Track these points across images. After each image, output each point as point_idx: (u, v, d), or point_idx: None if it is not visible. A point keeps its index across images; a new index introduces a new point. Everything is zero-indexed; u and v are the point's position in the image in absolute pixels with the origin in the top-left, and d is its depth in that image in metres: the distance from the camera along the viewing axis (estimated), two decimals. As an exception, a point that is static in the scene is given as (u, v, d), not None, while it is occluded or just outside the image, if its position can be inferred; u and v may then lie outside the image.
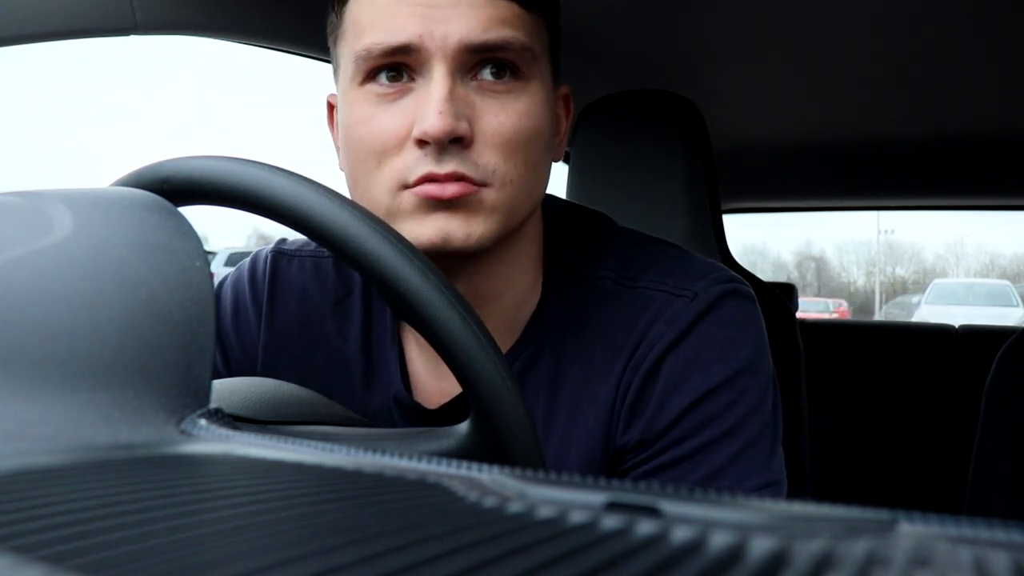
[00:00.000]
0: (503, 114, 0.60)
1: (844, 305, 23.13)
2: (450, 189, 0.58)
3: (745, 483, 0.61)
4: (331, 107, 0.71)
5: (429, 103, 0.58)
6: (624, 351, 0.64)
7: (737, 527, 0.20)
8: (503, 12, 0.59)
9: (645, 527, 0.20)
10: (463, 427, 0.48)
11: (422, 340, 0.69)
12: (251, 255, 0.80)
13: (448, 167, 0.58)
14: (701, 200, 1.17)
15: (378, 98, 0.61)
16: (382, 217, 0.53)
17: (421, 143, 0.58)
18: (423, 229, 0.59)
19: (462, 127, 0.58)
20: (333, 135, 0.70)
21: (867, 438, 1.80)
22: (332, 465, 0.28)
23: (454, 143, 0.58)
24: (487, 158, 0.59)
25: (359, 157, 0.61)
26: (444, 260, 0.60)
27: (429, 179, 0.58)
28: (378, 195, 0.61)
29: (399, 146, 0.60)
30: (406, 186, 0.59)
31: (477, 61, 0.60)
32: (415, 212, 0.59)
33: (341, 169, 0.67)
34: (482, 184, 0.59)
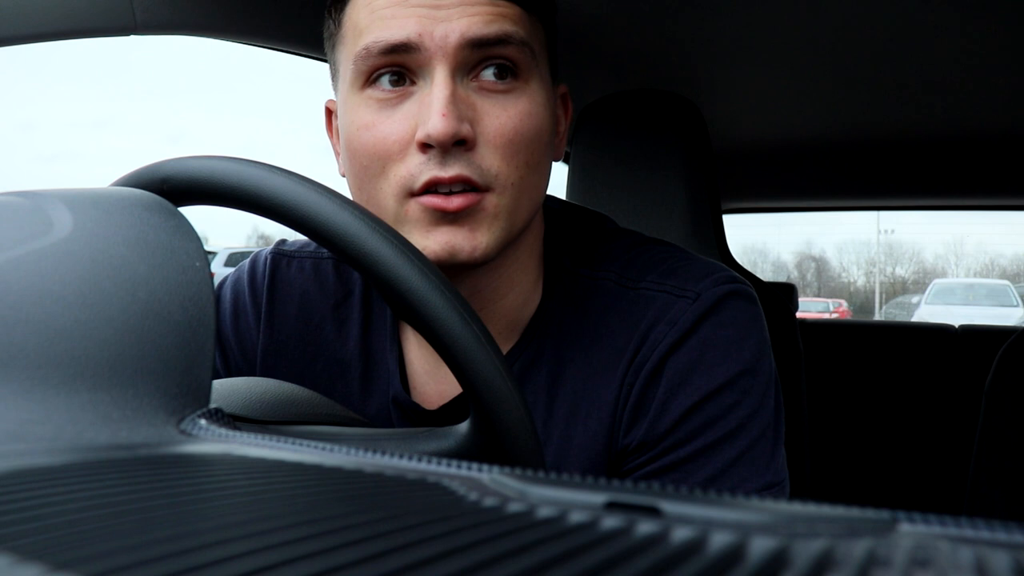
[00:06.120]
0: (504, 115, 0.60)
1: (844, 305, 23.13)
2: (455, 202, 0.58)
3: (747, 484, 0.61)
4: (329, 112, 0.71)
5: (432, 105, 0.58)
6: (626, 352, 0.64)
7: (737, 527, 0.20)
8: (503, 10, 0.60)
9: (645, 527, 0.20)
10: (463, 427, 0.48)
11: (422, 341, 0.69)
12: (251, 256, 0.80)
13: (452, 170, 0.58)
14: (701, 200, 1.17)
15: (379, 103, 0.61)
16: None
17: (425, 147, 0.58)
18: (428, 242, 0.59)
19: (465, 129, 0.58)
20: (332, 141, 0.70)
21: (867, 438, 1.80)
22: (332, 465, 0.28)
23: (457, 145, 0.58)
24: (489, 161, 0.59)
25: (362, 163, 0.61)
26: (448, 267, 0.60)
27: (434, 183, 0.58)
28: (384, 202, 0.61)
29: (403, 151, 0.60)
30: (412, 193, 0.59)
31: (477, 60, 0.60)
32: (421, 223, 0.60)
33: (342, 175, 0.67)
34: (485, 188, 0.59)
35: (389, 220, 0.60)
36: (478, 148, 0.59)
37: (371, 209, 0.60)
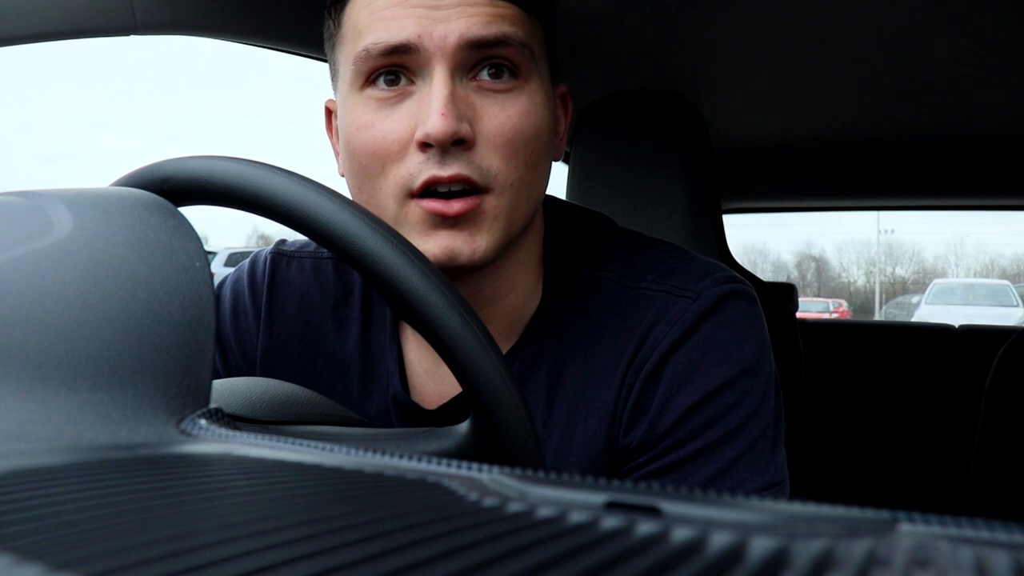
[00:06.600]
0: (503, 114, 0.60)
1: (844, 305, 23.12)
2: (455, 206, 0.58)
3: (747, 484, 0.61)
4: (329, 112, 0.71)
5: (431, 105, 0.58)
6: (626, 352, 0.64)
7: (737, 527, 0.20)
8: (502, 11, 0.60)
9: (645, 527, 0.20)
10: (463, 427, 0.48)
11: (422, 341, 0.69)
12: (251, 256, 0.80)
13: (452, 169, 0.58)
14: (701, 200, 1.17)
15: (379, 103, 0.61)
16: None
17: (424, 146, 0.58)
18: (428, 245, 0.60)
19: (464, 128, 0.58)
20: (332, 140, 0.70)
21: (867, 438, 1.80)
22: (332, 465, 0.28)
23: (456, 145, 0.58)
24: (489, 160, 0.59)
25: (362, 163, 0.61)
26: (448, 270, 0.60)
27: (433, 182, 0.58)
28: (383, 203, 0.61)
29: (402, 151, 0.60)
30: (411, 194, 0.59)
31: (476, 60, 0.60)
32: (421, 226, 0.60)
33: (341, 175, 0.67)
34: (484, 188, 0.59)
35: (388, 221, 0.60)
36: (477, 148, 0.59)
37: (371, 210, 0.60)
